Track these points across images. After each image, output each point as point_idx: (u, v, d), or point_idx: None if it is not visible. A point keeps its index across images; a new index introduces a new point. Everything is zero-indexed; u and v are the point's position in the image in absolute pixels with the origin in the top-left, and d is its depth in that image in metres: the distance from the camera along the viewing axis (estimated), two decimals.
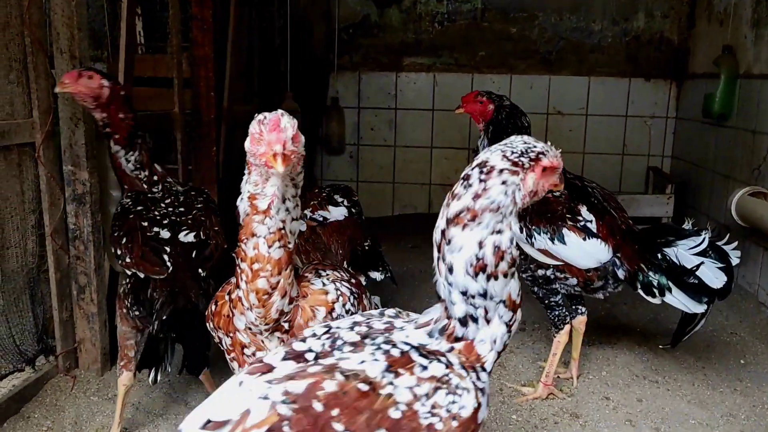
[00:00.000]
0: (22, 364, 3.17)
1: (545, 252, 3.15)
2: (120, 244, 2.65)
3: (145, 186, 2.90)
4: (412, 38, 6.95)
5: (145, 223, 2.69)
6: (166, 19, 4.43)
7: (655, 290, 3.04)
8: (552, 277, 3.23)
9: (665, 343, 3.49)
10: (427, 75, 6.95)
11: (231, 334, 1.84)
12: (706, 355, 3.77)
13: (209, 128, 4.48)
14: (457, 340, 1.41)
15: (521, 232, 3.18)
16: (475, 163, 1.44)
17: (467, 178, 1.41)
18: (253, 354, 1.81)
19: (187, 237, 2.66)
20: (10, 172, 2.99)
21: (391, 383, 1.28)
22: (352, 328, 1.43)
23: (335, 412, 1.24)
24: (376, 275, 3.46)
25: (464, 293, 1.38)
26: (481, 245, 1.36)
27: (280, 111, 1.65)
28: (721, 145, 5.38)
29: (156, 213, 2.75)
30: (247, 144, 1.65)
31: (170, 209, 2.79)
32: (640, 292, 3.09)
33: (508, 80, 6.85)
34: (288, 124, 1.62)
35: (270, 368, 1.34)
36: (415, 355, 1.35)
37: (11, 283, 3.07)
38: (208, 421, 1.28)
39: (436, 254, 1.43)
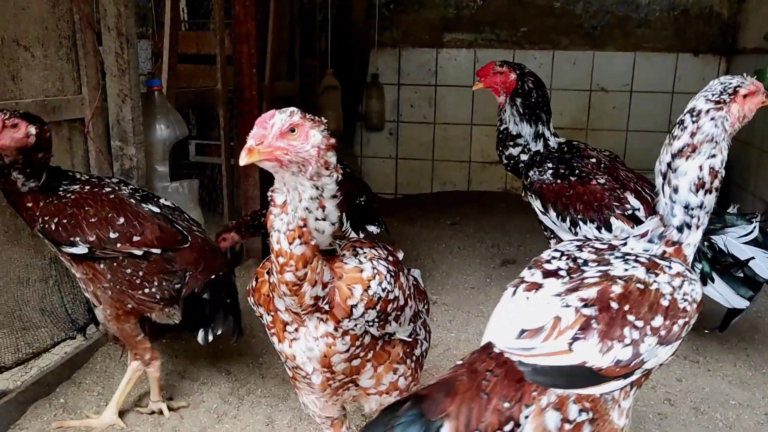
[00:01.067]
0: (74, 332, 3.30)
1: None
2: (118, 224, 2.55)
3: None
4: (453, 14, 6.88)
5: (133, 201, 2.64)
6: None
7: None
8: None
9: (711, 327, 3.43)
10: (467, 51, 6.88)
11: (272, 313, 1.88)
12: (750, 336, 3.71)
13: (251, 105, 4.53)
14: (673, 244, 1.85)
15: (564, 221, 3.18)
16: (686, 109, 1.87)
17: (682, 122, 1.86)
18: (296, 330, 1.85)
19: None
20: (61, 147, 3.09)
21: (655, 281, 1.68)
22: (581, 249, 1.84)
23: (626, 307, 1.62)
24: (373, 228, 3.84)
25: (686, 207, 1.83)
26: (701, 168, 1.81)
27: (290, 109, 1.63)
28: None
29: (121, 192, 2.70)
30: None
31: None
32: None
33: (550, 56, 6.73)
34: (279, 122, 1.59)
35: (538, 285, 1.73)
36: (656, 259, 1.77)
37: None
38: (523, 331, 1.60)
39: (660, 181, 1.87)
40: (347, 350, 1.85)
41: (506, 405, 1.53)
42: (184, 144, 5.52)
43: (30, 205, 2.54)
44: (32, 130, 2.43)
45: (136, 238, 2.54)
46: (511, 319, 1.66)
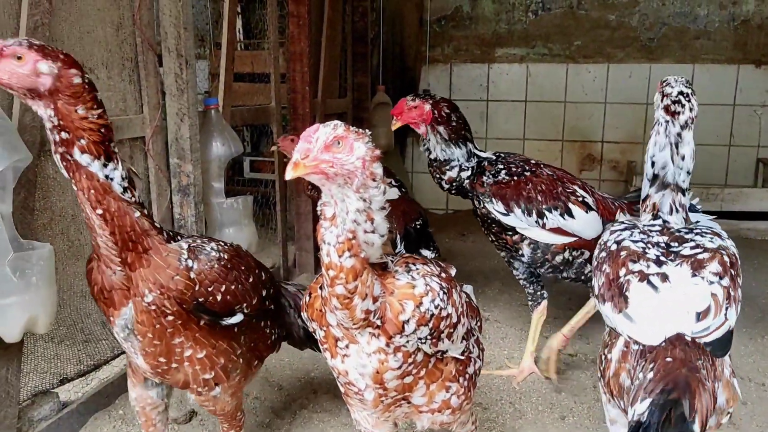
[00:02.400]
0: None
1: (557, 230, 3.22)
2: None
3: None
4: (504, 29, 6.85)
5: None
6: (263, 17, 4.58)
7: None
8: (570, 258, 3.28)
9: None
10: (519, 66, 6.84)
11: (324, 328, 1.89)
12: None
13: (304, 121, 4.60)
14: (684, 209, 2.21)
15: (530, 215, 3.22)
16: (675, 93, 2.29)
17: (679, 102, 2.27)
18: (347, 346, 1.85)
19: None
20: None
21: (728, 246, 2.02)
22: (648, 235, 2.08)
23: (733, 272, 1.93)
24: (427, 253, 3.82)
25: (687, 172, 2.21)
26: (693, 139, 2.25)
27: (333, 123, 1.64)
28: None
29: None
30: None
31: None
32: None
33: (605, 69, 6.63)
34: (324, 135, 1.61)
35: (663, 274, 1.92)
36: (713, 229, 2.12)
37: None
38: (698, 314, 1.81)
39: (668, 153, 2.22)
40: (399, 367, 1.85)
41: (715, 385, 1.76)
42: (238, 161, 5.65)
43: None
44: (44, 66, 1.78)
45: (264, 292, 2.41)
46: (678, 308, 1.84)
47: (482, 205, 3.31)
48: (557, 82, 6.78)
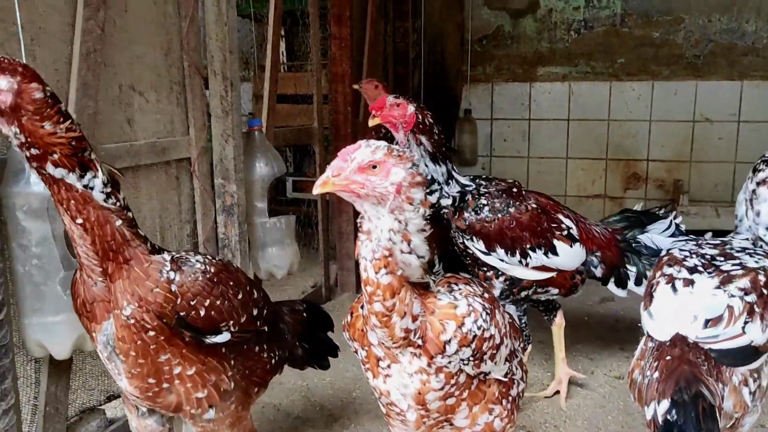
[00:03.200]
0: None
1: (540, 267, 3.13)
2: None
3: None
4: (546, 47, 6.82)
5: None
6: (306, 39, 4.66)
7: (629, 281, 3.27)
8: (532, 293, 3.25)
9: None
10: (562, 84, 6.79)
11: (366, 348, 1.89)
12: None
13: (346, 141, 4.63)
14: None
15: (513, 255, 3.08)
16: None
17: (765, 160, 2.29)
18: (389, 366, 1.84)
19: None
20: (170, 185, 3.26)
21: None
22: (701, 247, 2.19)
23: (766, 291, 1.97)
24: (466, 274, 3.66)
25: (766, 228, 2.27)
26: None
27: (376, 144, 1.64)
28: None
29: None
30: None
31: None
32: (612, 286, 3.29)
33: (649, 87, 6.53)
34: (360, 156, 1.61)
35: (690, 281, 2.02)
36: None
37: None
38: (707, 321, 1.89)
39: (743, 208, 2.33)
40: (442, 388, 1.83)
41: (719, 387, 1.84)
42: (281, 181, 5.71)
43: None
44: (2, 82, 1.69)
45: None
46: (689, 312, 1.94)
47: (461, 240, 3.15)
48: (600, 100, 6.70)
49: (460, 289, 1.88)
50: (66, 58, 2.55)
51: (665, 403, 1.75)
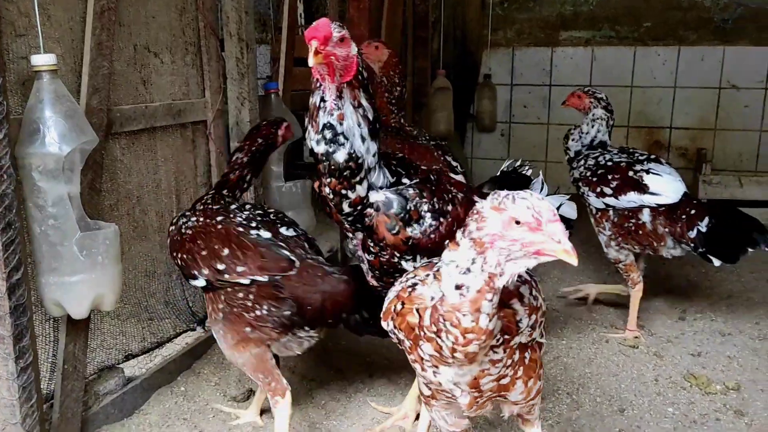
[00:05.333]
0: (194, 324, 3.47)
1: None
2: (224, 256, 2.48)
3: None
4: (569, 11, 6.66)
5: (241, 228, 2.58)
6: (324, 1, 4.59)
7: None
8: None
9: None
10: (585, 49, 6.64)
11: (415, 347, 1.79)
12: None
13: None
14: None
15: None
16: None
17: None
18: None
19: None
20: (186, 148, 3.26)
21: None
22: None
23: None
24: None
25: None
26: None
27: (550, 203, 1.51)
28: None
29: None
30: (497, 226, 1.50)
31: None
32: None
33: (675, 52, 6.37)
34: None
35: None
36: None
37: None
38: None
39: None
40: (498, 371, 1.79)
41: None
42: (298, 145, 5.69)
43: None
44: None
45: (240, 269, 2.43)
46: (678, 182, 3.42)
47: (396, 259, 2.28)
48: (624, 66, 6.55)
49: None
50: (80, 16, 2.53)
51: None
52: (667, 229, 3.39)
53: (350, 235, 2.33)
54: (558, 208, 2.54)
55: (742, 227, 3.29)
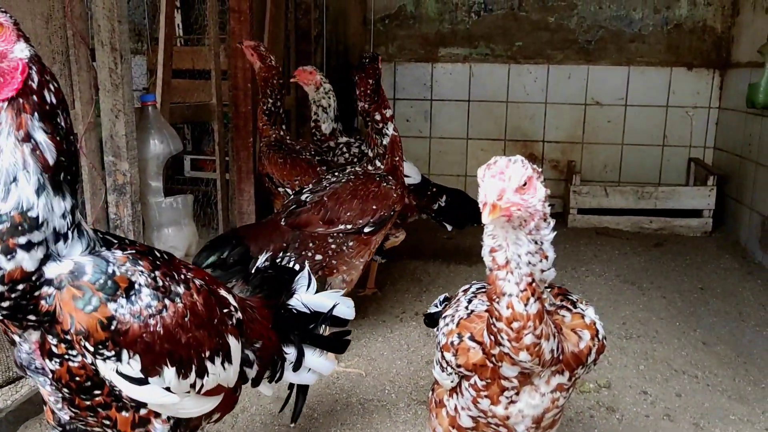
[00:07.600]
0: None
1: None
2: None
3: None
4: (448, 29, 6.91)
5: None
6: (204, 12, 4.49)
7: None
8: None
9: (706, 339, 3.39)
10: (463, 65, 6.90)
11: (488, 379, 1.74)
12: (748, 350, 3.68)
13: (246, 119, 4.52)
14: None
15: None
16: None
17: None
18: (516, 393, 1.74)
19: None
20: None
21: None
22: None
23: None
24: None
25: None
26: None
27: (517, 157, 1.54)
28: (765, 136, 5.22)
29: None
30: None
31: None
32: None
33: (545, 70, 6.76)
34: (517, 175, 1.49)
35: None
36: None
37: None
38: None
39: None
40: (563, 402, 1.78)
41: None
42: (178, 159, 5.51)
43: None
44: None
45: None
46: None
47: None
48: (500, 82, 6.87)
49: (574, 299, 1.84)
50: None
51: None
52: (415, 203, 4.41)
53: (17, 338, 1.56)
54: (332, 309, 2.28)
55: (470, 206, 4.47)
